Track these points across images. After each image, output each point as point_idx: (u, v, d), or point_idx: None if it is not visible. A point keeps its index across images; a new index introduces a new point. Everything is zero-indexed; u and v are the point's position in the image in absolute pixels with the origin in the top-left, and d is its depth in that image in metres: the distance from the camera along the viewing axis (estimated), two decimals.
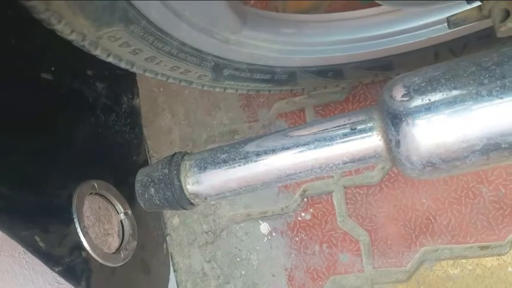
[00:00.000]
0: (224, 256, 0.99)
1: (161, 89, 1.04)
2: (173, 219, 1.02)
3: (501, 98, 0.44)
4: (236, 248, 0.98)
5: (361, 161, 0.53)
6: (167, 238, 1.01)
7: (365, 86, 0.91)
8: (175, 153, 0.61)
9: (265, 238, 0.96)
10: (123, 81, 0.57)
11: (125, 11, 0.47)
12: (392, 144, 0.49)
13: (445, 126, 0.46)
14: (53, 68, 0.60)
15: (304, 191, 0.93)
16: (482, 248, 0.83)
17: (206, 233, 1.00)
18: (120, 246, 0.66)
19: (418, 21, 0.72)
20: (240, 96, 1.00)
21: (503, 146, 0.46)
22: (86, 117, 0.66)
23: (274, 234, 0.96)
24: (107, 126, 0.70)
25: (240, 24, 0.64)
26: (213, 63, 0.65)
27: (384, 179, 0.88)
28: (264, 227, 0.96)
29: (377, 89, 0.91)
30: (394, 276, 0.88)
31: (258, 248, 0.96)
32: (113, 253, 0.62)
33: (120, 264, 0.64)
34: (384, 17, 0.73)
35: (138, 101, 0.81)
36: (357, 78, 0.82)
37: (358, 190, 0.89)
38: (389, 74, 0.82)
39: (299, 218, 0.94)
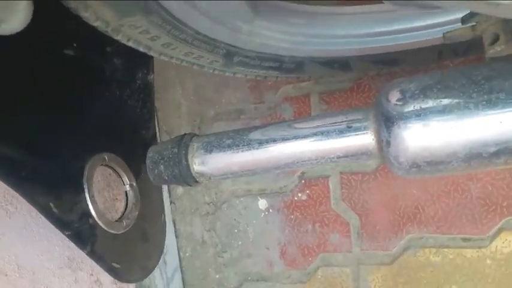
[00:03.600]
0: (223, 227, 1.06)
1: (174, 63, 1.08)
2: (178, 189, 1.08)
3: (486, 112, 0.48)
4: (235, 220, 1.04)
5: (354, 157, 0.57)
6: (171, 206, 1.08)
7: (370, 77, 0.94)
8: (185, 134, 0.66)
9: (263, 213, 1.02)
10: (139, 58, 0.61)
11: (146, 3, 0.50)
12: (383, 144, 0.53)
13: (432, 132, 0.50)
14: (75, 45, 0.63)
15: (303, 173, 0.99)
16: (464, 239, 0.88)
17: (208, 204, 1.07)
18: (123, 215, 0.72)
19: (423, 21, 0.74)
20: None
21: (484, 155, 0.50)
22: (102, 92, 0.70)
23: (271, 210, 1.02)
24: (121, 101, 0.74)
25: (252, 15, 0.67)
26: (225, 51, 0.68)
27: (379, 168, 0.92)
28: (262, 203, 1.02)
29: (382, 81, 0.94)
30: (379, 258, 0.94)
31: (255, 222, 1.03)
32: (116, 221, 0.68)
33: (122, 231, 0.70)
34: (390, 15, 0.75)
35: (152, 76, 0.84)
36: (362, 70, 0.85)
37: (353, 176, 0.94)
38: (393, 69, 0.85)
39: (295, 198, 0.99)
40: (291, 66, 0.79)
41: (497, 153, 0.48)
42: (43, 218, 0.73)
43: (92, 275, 0.83)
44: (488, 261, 0.87)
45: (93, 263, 0.84)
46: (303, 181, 0.99)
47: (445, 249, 0.89)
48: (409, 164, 0.52)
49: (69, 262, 0.77)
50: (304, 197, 0.99)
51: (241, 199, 1.04)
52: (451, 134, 0.49)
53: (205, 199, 1.07)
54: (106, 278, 0.86)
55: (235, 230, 1.05)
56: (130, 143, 0.77)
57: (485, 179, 0.86)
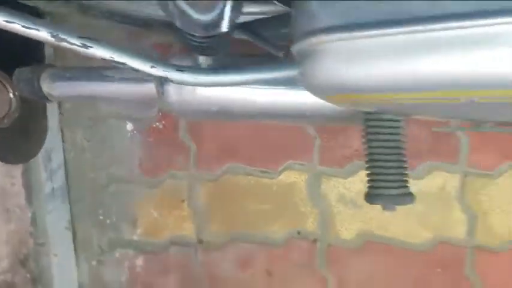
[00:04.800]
0: (99, 139, 1.35)
1: None
2: (66, 104, 1.34)
3: None
4: (108, 135, 1.34)
5: (148, 100, 0.87)
6: (59, 116, 1.35)
7: None
8: (44, 64, 0.91)
9: (129, 133, 1.32)
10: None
11: None
12: (161, 94, 0.82)
13: (184, 94, 0.79)
14: None
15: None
16: (262, 172, 1.24)
17: (89, 119, 1.35)
18: (5, 115, 0.99)
19: None
20: None
21: (212, 110, 0.80)
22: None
23: (135, 132, 1.32)
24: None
25: None
26: None
27: None
28: (130, 126, 1.32)
29: None
30: (207, 177, 1.29)
31: (122, 138, 1.33)
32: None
33: (4, 126, 0.98)
34: None
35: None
36: None
37: None
38: None
39: (154, 125, 1.30)
40: None
41: (218, 112, 0.80)
42: None
43: None
44: (275, 188, 1.24)
45: None
46: (160, 114, 1.29)
47: (250, 177, 1.25)
48: (175, 109, 0.82)
49: None
50: (160, 126, 1.29)
51: (115, 120, 1.33)
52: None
53: (88, 114, 1.35)
54: None
55: (108, 143, 1.35)
56: (18, 65, 1.01)
57: (279, 129, 1.19)
